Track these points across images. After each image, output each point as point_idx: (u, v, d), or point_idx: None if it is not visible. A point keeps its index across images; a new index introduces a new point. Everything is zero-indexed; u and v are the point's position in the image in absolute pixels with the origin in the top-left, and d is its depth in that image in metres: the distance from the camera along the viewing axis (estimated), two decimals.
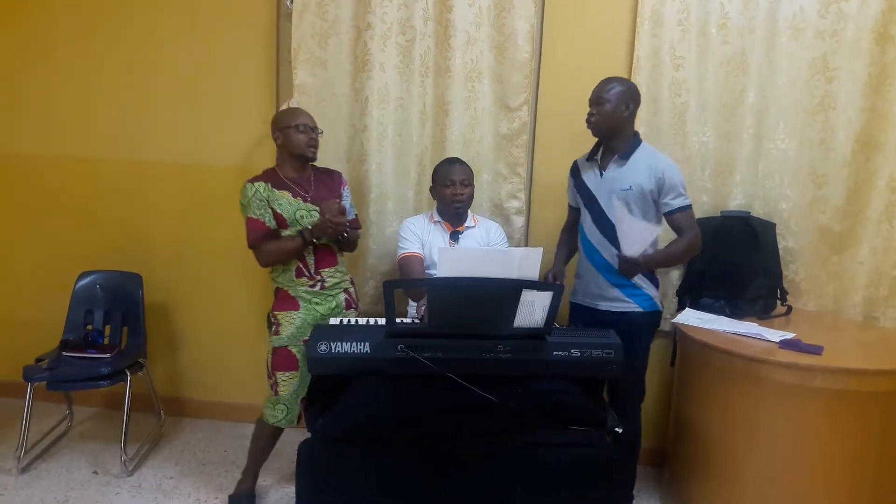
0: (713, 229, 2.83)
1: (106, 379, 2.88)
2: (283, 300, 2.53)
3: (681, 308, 2.83)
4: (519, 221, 3.04)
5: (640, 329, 2.51)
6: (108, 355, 2.96)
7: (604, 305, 2.51)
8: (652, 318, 2.54)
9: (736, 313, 2.65)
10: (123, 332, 3.20)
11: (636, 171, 2.42)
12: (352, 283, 2.71)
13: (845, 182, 2.81)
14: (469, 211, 2.76)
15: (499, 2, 2.92)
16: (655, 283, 2.55)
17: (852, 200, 2.82)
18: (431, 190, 2.77)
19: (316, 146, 2.52)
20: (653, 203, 2.44)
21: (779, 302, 2.78)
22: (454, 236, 2.67)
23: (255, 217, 2.43)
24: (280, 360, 2.51)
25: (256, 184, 2.45)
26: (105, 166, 3.37)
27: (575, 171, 2.65)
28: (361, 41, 3.00)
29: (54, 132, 3.40)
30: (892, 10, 2.69)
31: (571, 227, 2.72)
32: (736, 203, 2.90)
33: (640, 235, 2.36)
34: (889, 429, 2.17)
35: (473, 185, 2.71)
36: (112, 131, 3.35)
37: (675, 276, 2.99)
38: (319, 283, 2.52)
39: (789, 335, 2.33)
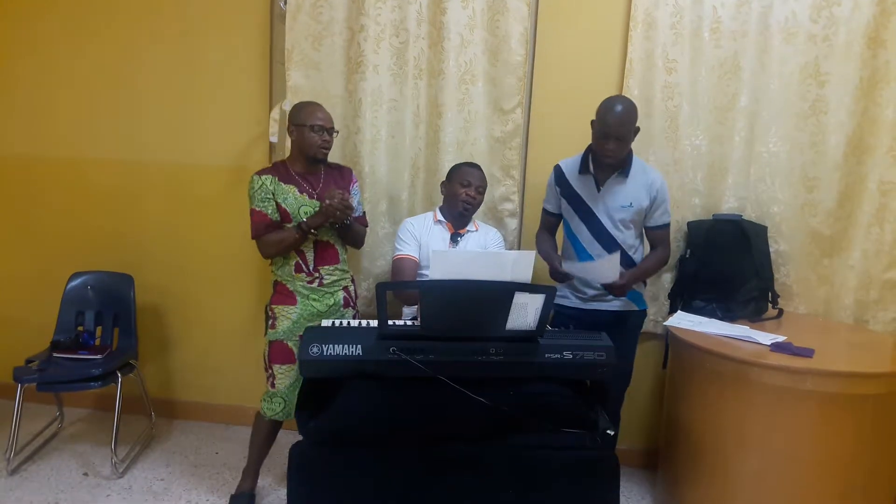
0: (705, 232, 2.84)
1: (97, 380, 2.86)
2: (281, 294, 2.54)
3: (673, 310, 2.85)
4: (512, 224, 3.04)
5: (635, 326, 2.69)
6: (98, 356, 2.95)
7: (598, 306, 2.60)
8: (643, 316, 2.73)
9: (728, 316, 2.66)
10: (115, 333, 3.19)
11: (635, 187, 2.50)
12: (352, 281, 2.72)
13: (836, 185, 2.82)
14: (472, 216, 2.76)
15: (492, 4, 2.92)
16: (645, 283, 2.72)
17: (843, 204, 2.83)
18: (443, 185, 2.75)
19: (328, 147, 2.52)
20: (643, 217, 2.56)
21: (770, 305, 2.80)
22: (454, 238, 2.68)
23: (258, 209, 2.45)
24: (277, 353, 2.53)
25: (263, 177, 2.47)
26: (97, 167, 3.36)
27: (562, 180, 2.62)
28: (355, 43, 2.99)
29: (46, 133, 3.38)
30: (883, 15, 2.70)
31: (552, 233, 2.74)
32: (728, 206, 2.91)
33: (611, 268, 2.36)
34: (880, 431, 2.18)
35: (483, 196, 2.73)
36: (104, 132, 3.33)
37: (666, 278, 3.00)
38: (318, 280, 2.54)
39: (780, 338, 2.34)
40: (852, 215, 2.84)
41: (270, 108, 3.13)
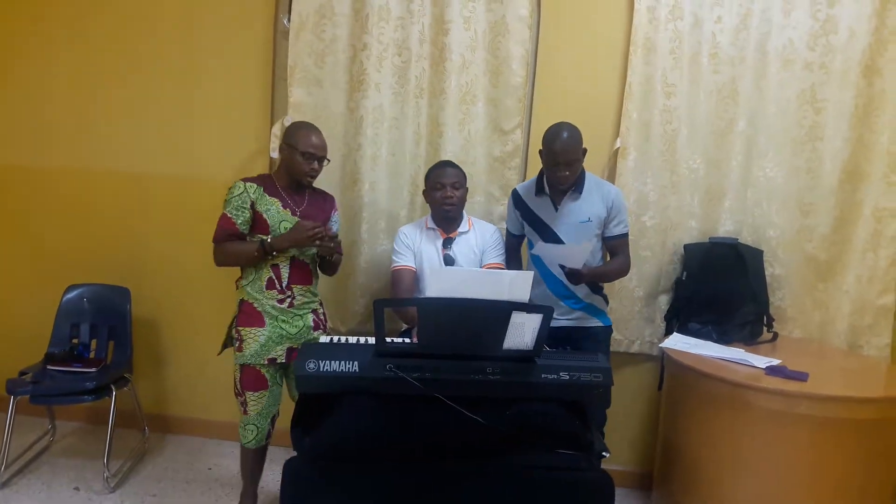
0: (702, 255, 2.86)
1: (91, 394, 2.85)
2: (248, 314, 2.45)
3: (668, 332, 2.85)
4: None
5: (603, 342, 2.67)
6: (93, 370, 2.93)
7: (565, 322, 2.61)
8: (609, 332, 2.72)
9: (723, 339, 2.67)
10: (109, 346, 3.17)
11: (591, 202, 2.55)
12: (321, 304, 2.66)
13: (832, 211, 2.85)
14: (464, 213, 2.73)
15: (494, 26, 2.96)
16: (607, 300, 2.73)
17: (838, 229, 2.86)
18: (424, 194, 2.74)
19: (315, 176, 2.48)
20: (603, 228, 2.59)
21: (765, 328, 2.81)
22: (447, 243, 2.66)
23: (229, 216, 2.40)
24: (248, 379, 2.46)
25: (247, 184, 2.43)
26: (96, 179, 3.37)
27: (520, 204, 2.67)
28: (357, 61, 3.02)
29: (45, 144, 3.39)
30: (879, 44, 2.75)
31: (515, 252, 2.78)
32: (724, 229, 2.93)
33: (579, 255, 2.42)
34: (872, 456, 2.18)
35: (466, 188, 2.69)
36: (104, 144, 3.35)
37: (663, 300, 3.01)
38: (289, 300, 2.47)
39: (775, 361, 2.35)
40: (847, 241, 2.87)
41: (272, 124, 3.15)
